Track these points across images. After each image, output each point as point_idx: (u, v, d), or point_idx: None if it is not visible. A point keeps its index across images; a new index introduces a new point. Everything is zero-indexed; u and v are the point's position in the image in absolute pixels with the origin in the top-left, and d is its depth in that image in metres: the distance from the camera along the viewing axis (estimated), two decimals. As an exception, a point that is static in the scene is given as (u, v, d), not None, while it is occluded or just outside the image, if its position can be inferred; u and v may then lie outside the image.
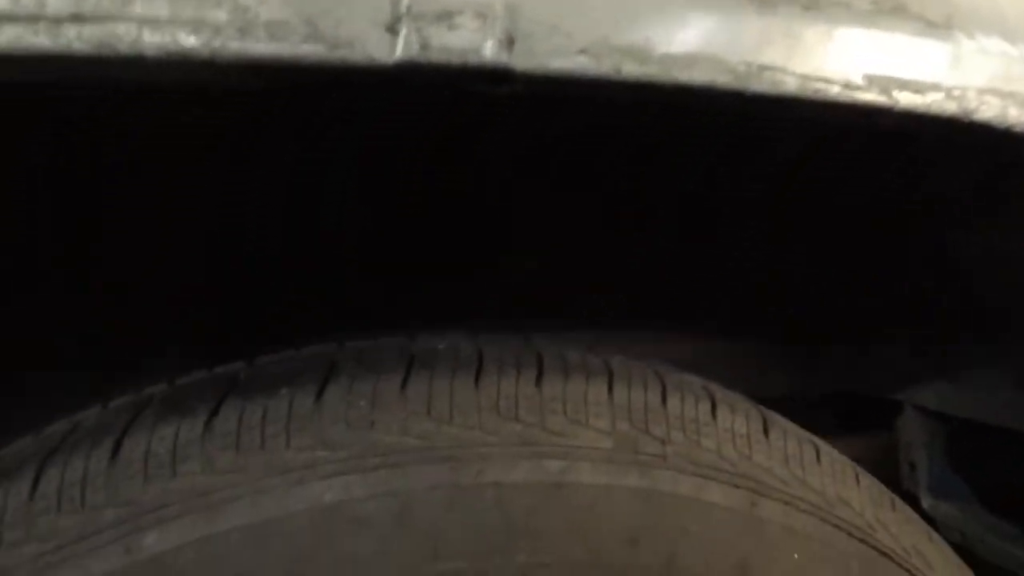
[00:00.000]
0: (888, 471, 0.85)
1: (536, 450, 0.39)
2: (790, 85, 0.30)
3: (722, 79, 0.29)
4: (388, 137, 0.44)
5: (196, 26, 0.25)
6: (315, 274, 0.59)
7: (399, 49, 0.26)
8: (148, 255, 0.53)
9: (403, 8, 0.26)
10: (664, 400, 0.43)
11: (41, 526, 0.34)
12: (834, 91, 0.31)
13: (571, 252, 0.63)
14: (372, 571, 0.35)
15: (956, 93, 0.32)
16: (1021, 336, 0.69)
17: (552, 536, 0.37)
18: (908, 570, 0.46)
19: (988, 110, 0.32)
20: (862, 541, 0.44)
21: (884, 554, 0.45)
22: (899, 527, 0.47)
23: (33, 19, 0.25)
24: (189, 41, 0.25)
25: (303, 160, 0.46)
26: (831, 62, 0.31)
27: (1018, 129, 0.33)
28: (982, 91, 0.32)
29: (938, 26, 0.32)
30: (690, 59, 0.29)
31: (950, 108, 0.32)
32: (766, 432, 0.45)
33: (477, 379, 0.40)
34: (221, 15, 0.25)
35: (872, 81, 0.31)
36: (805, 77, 0.30)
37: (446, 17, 0.27)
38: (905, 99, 0.31)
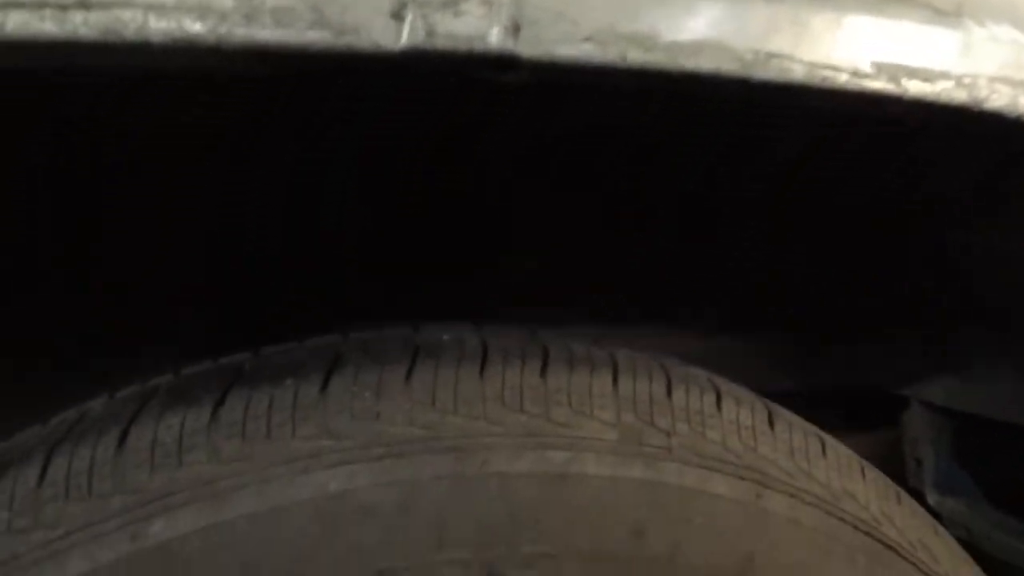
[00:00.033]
0: (894, 467, 0.85)
1: (541, 441, 0.39)
2: (797, 73, 0.30)
3: (728, 67, 0.29)
4: (389, 135, 0.44)
5: (202, 12, 0.25)
6: (315, 274, 0.59)
7: (405, 36, 0.26)
8: (148, 255, 0.53)
9: (409, -6, 0.26)
10: (669, 392, 0.43)
11: (49, 513, 0.34)
12: (842, 79, 0.30)
13: (571, 251, 0.63)
14: (377, 560, 0.35)
15: (966, 81, 0.32)
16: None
17: (557, 527, 0.37)
18: (914, 563, 0.46)
19: (999, 99, 0.32)
20: (868, 534, 0.44)
21: (890, 547, 0.45)
22: (905, 521, 0.47)
23: (39, 5, 0.25)
24: (195, 27, 0.25)
25: (303, 159, 0.46)
26: (839, 50, 0.30)
27: (1029, 118, 0.32)
28: (993, 79, 0.32)
29: (948, 13, 0.32)
30: (696, 46, 0.29)
31: (960, 97, 0.32)
32: (771, 424, 0.45)
33: (482, 370, 0.40)
34: (227, 1, 0.25)
35: (881, 69, 0.31)
36: (813, 65, 0.30)
37: (452, 4, 0.27)
38: (914, 87, 0.31)
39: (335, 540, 0.35)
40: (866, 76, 0.31)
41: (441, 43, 0.27)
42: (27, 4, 0.25)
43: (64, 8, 0.25)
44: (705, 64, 0.29)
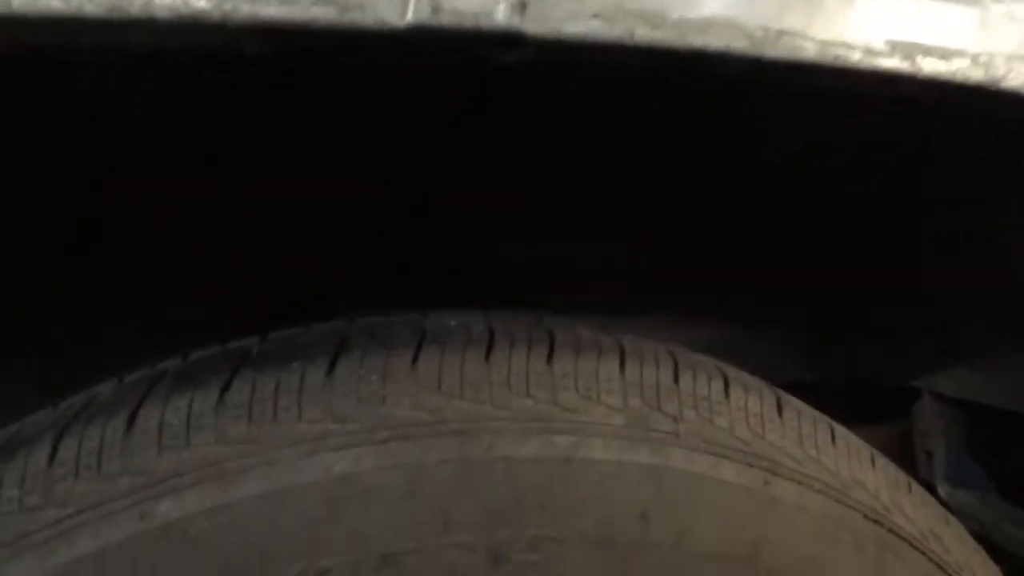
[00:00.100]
0: (904, 460, 0.84)
1: (547, 425, 0.39)
2: (809, 51, 0.29)
3: (738, 44, 0.29)
4: (392, 117, 0.44)
5: (207, -12, 0.25)
6: (313, 269, 0.59)
7: (410, 12, 0.26)
8: (149, 239, 0.54)
9: (414, -29, 0.26)
10: (676, 378, 0.43)
11: (59, 492, 0.34)
12: (855, 57, 0.30)
13: (575, 241, 0.63)
14: (382, 543, 0.35)
15: (983, 60, 0.31)
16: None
17: (562, 511, 0.37)
18: (924, 552, 0.45)
19: (1016, 78, 0.31)
20: (877, 523, 0.44)
21: (899, 536, 0.45)
22: (915, 510, 0.47)
23: (45, -19, 0.25)
24: (200, 4, 0.25)
25: (307, 141, 0.46)
26: (852, 27, 0.30)
27: (1048, 98, 0.32)
28: (1010, 58, 0.31)
29: (964, -10, 0.31)
30: (705, 23, 0.28)
31: (976, 75, 0.31)
32: (780, 412, 0.45)
33: (488, 354, 0.40)
34: (232, -23, 0.25)
35: (895, 47, 0.30)
36: (825, 43, 0.30)
37: (457, -20, 0.26)
38: (929, 66, 0.30)
39: (340, 522, 0.35)
40: (880, 54, 0.30)
41: (447, 19, 0.27)
42: (33, -19, 0.25)
43: (70, -16, 0.25)
44: (714, 42, 0.28)
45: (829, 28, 0.30)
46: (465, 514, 0.36)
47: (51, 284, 0.55)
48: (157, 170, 0.47)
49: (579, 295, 0.67)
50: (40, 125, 0.40)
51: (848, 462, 0.45)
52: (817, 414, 0.48)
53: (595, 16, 0.28)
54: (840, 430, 0.47)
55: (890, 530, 0.44)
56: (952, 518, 0.50)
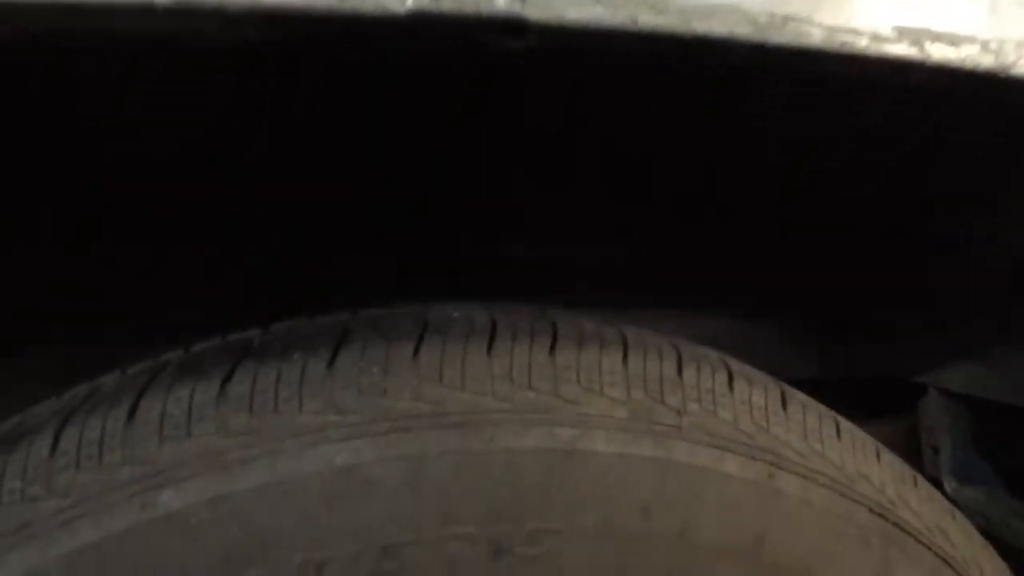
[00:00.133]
0: (911, 455, 0.84)
1: (549, 418, 0.38)
2: (815, 37, 0.29)
3: (742, 30, 0.28)
4: (391, 107, 0.43)
5: (205, -26, 0.25)
6: (313, 269, 0.59)
7: (410, -2, 0.26)
8: (147, 252, 0.54)
9: (415, -44, 0.26)
10: (680, 371, 0.42)
11: (60, 482, 0.35)
12: (862, 43, 0.29)
13: (573, 244, 0.62)
14: (383, 534, 0.35)
15: (993, 46, 0.30)
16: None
17: (563, 503, 0.37)
18: (929, 547, 0.45)
19: (1026, 64, 0.31)
20: (882, 517, 0.44)
21: (905, 531, 0.44)
22: (921, 504, 0.46)
23: (43, -32, 0.24)
24: (198, -10, 0.25)
25: (305, 149, 0.45)
26: (859, 13, 0.29)
27: (1059, 85, 0.31)
28: (1021, 44, 0.31)
29: (974, -25, 0.31)
30: (709, 9, 0.28)
31: (986, 62, 0.30)
32: (784, 405, 0.44)
33: (490, 347, 0.40)
34: (230, -37, 0.25)
35: (903, 33, 0.30)
36: (831, 29, 0.29)
37: (458, -35, 0.26)
38: (938, 52, 0.30)
39: (341, 514, 0.35)
40: (887, 40, 0.30)
41: (447, 5, 0.26)
42: (31, -33, 0.25)
43: (68, -29, 0.24)
44: (717, 27, 0.28)
45: (836, 14, 0.29)
46: (466, 506, 0.36)
47: (51, 284, 0.55)
48: (158, 166, 0.47)
49: (579, 295, 0.67)
50: (41, 118, 0.40)
51: (853, 456, 0.45)
52: (822, 408, 0.47)
53: (598, 2, 0.27)
54: (845, 424, 0.47)
55: (895, 524, 0.44)
56: (958, 513, 0.49)
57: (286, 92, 0.40)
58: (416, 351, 0.39)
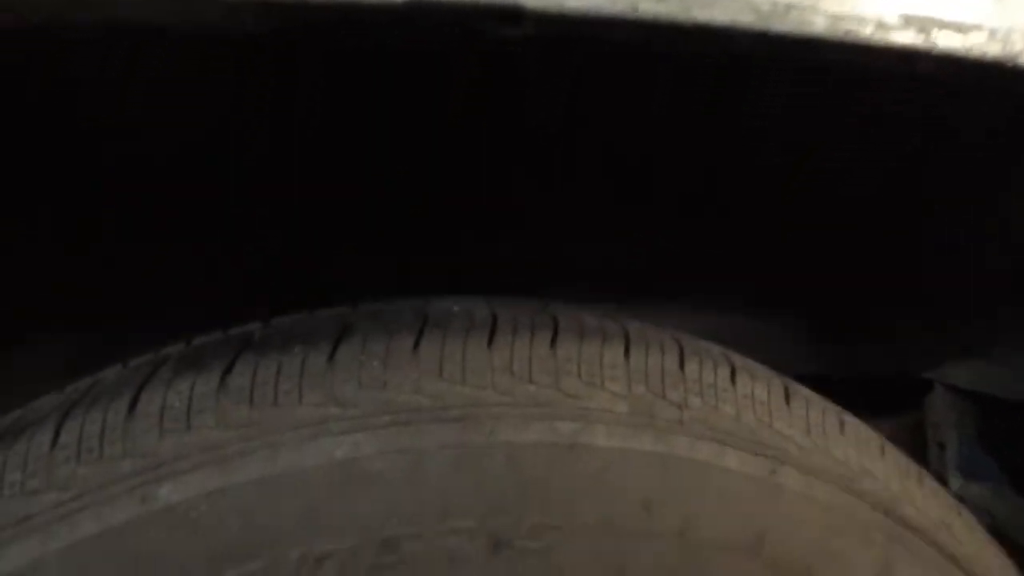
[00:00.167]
0: (917, 452, 0.83)
1: (549, 412, 0.38)
2: (818, 25, 0.29)
3: (744, 18, 0.28)
4: (391, 108, 0.43)
5: (203, -37, 0.25)
6: (313, 269, 0.59)
7: (408, -14, 0.26)
8: (146, 252, 0.54)
9: (413, -56, 0.25)
10: (682, 365, 0.42)
11: (61, 475, 0.35)
12: (867, 31, 0.29)
13: (571, 242, 0.62)
14: (382, 527, 0.35)
15: (1000, 34, 0.30)
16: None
17: (564, 498, 0.37)
18: (934, 544, 0.44)
19: (1035, 53, 0.30)
20: (886, 513, 0.43)
21: (909, 527, 0.44)
22: (925, 501, 0.46)
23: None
24: (195, -22, 0.25)
25: (305, 144, 0.45)
26: (864, 0, 0.29)
27: (1068, 75, 0.31)
28: (1029, 32, 0.30)
29: (981, -38, 0.30)
30: (711, -3, 0.28)
31: (993, 50, 0.30)
32: (788, 400, 0.44)
33: (491, 340, 0.40)
34: (227, -48, 0.25)
35: (909, 21, 0.29)
36: (836, 17, 0.29)
37: (456, -47, 0.26)
38: (944, 40, 0.29)
39: (341, 507, 0.35)
40: (893, 28, 0.29)
41: (444, -7, 0.26)
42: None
43: (63, -41, 0.24)
44: (719, 16, 0.28)
45: (840, 1, 0.29)
46: (466, 500, 0.36)
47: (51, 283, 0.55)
48: (158, 165, 0.47)
49: (579, 294, 0.67)
50: (41, 115, 0.40)
51: (857, 452, 0.44)
52: (826, 403, 0.47)
53: (597, -10, 0.27)
54: (849, 419, 0.47)
55: (899, 521, 0.43)
56: (964, 509, 0.49)
57: (286, 86, 0.40)
58: (416, 345, 0.39)
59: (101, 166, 0.46)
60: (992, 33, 0.30)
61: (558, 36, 0.28)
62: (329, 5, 0.26)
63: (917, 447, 0.82)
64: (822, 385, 0.53)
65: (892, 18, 0.29)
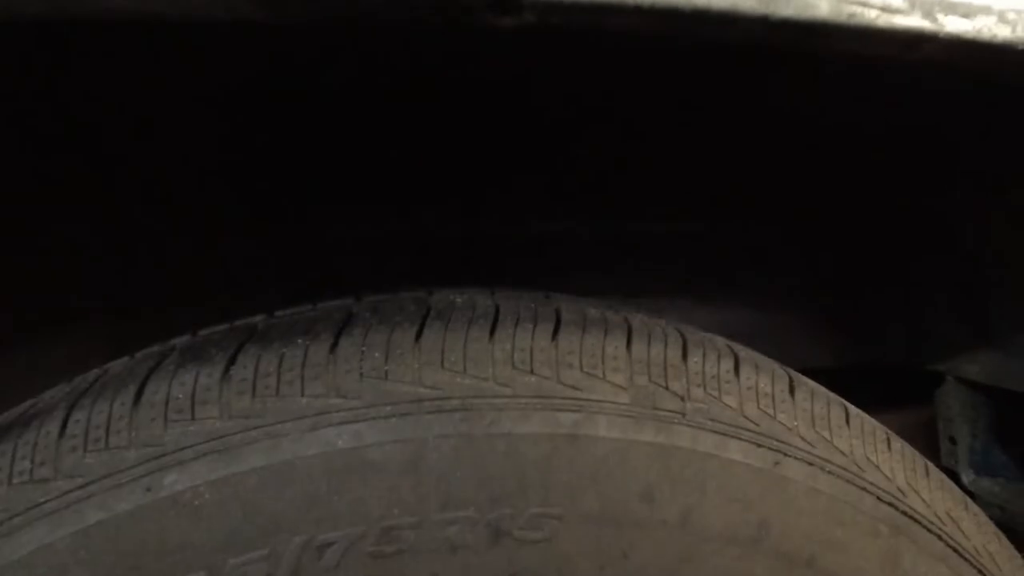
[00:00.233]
0: (928, 447, 0.82)
1: (550, 402, 0.38)
2: (821, 9, 0.28)
3: (745, 3, 0.27)
4: (384, 89, 0.43)
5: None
6: (328, 264, 0.59)
7: (402, -25, 0.25)
8: (154, 251, 0.54)
9: (407, -68, 0.25)
10: (685, 356, 0.42)
11: (69, 464, 0.35)
12: (871, 15, 0.28)
13: (575, 222, 0.62)
14: (383, 516, 0.35)
15: (1010, 16, 0.29)
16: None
17: (564, 488, 0.37)
18: (940, 536, 0.44)
19: (1045, 37, 0.30)
20: (891, 505, 0.43)
21: (915, 519, 0.43)
22: (932, 493, 0.45)
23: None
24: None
25: (303, 148, 0.45)
26: (867, -16, 0.28)
27: (1079, 59, 0.30)
28: (1038, 15, 0.29)
29: (989, -57, 0.29)
30: (711, -17, 0.27)
31: (1002, 33, 0.29)
32: (792, 392, 0.44)
33: (492, 331, 0.40)
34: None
35: (914, 4, 0.28)
36: (839, 0, 0.28)
37: (451, -59, 0.26)
38: (952, 24, 0.29)
39: (342, 496, 0.35)
40: (898, 12, 0.28)
41: (440, -19, 0.26)
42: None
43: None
44: (718, 0, 0.27)
45: (843, -14, 0.28)
46: (466, 490, 0.36)
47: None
48: (166, 164, 0.47)
49: (589, 283, 0.67)
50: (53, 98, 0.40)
51: (862, 444, 0.44)
52: (831, 395, 0.46)
53: (595, -23, 0.27)
54: (854, 411, 0.46)
55: (905, 513, 0.43)
56: (971, 502, 0.48)
57: (302, 80, 0.40)
58: (418, 336, 0.39)
59: (122, 166, 0.46)
60: (1001, 15, 0.29)
61: (556, 25, 0.28)
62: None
63: (929, 442, 0.81)
64: (834, 379, 0.53)
65: (898, 1, 0.29)
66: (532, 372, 0.39)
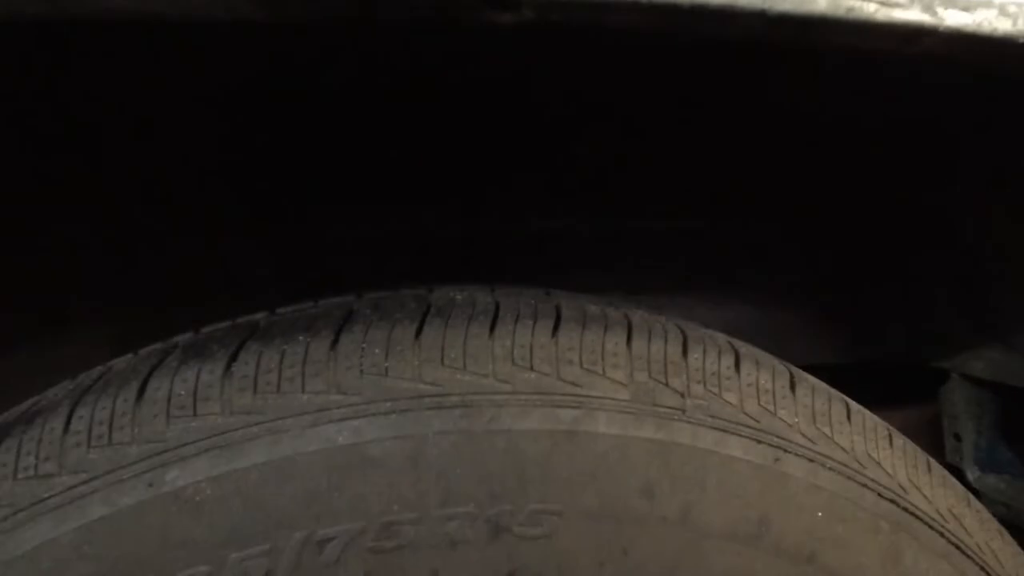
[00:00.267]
0: (933, 443, 0.82)
1: (550, 399, 0.38)
2: (820, 4, 0.28)
3: (743, -1, 0.27)
4: (388, 104, 0.43)
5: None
6: (329, 264, 0.59)
7: (400, -29, 0.26)
8: (158, 250, 0.54)
9: (405, -71, 0.25)
10: (685, 353, 0.42)
11: (72, 460, 0.35)
12: (870, 9, 0.28)
13: (573, 219, 0.62)
14: (383, 512, 0.36)
15: (1011, 9, 0.29)
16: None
17: (564, 484, 0.37)
18: (941, 533, 0.44)
19: (1046, 30, 0.29)
20: (892, 502, 0.43)
21: (916, 516, 0.43)
22: (934, 490, 0.45)
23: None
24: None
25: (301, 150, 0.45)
26: (866, -22, 0.28)
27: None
28: (1038, 8, 0.29)
29: (989, -64, 0.29)
30: (709, -22, 0.27)
31: (1003, 27, 0.29)
32: (793, 389, 0.44)
33: (492, 328, 0.40)
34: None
35: (913, -2, 0.28)
36: (837, -5, 0.28)
37: (448, -63, 0.26)
38: (952, 18, 0.29)
39: (342, 492, 0.35)
40: (898, 5, 0.28)
41: (438, -22, 0.26)
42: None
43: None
44: (717, -4, 0.27)
45: (841, -20, 0.28)
46: (466, 486, 0.36)
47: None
48: (166, 164, 0.47)
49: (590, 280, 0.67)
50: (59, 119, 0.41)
51: (864, 440, 0.44)
52: (832, 391, 0.46)
53: (592, -27, 0.27)
54: (855, 407, 0.46)
55: (906, 509, 0.43)
56: (974, 499, 0.48)
57: (298, 76, 0.40)
58: (418, 332, 0.39)
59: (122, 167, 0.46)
60: (1002, 8, 0.29)
61: (556, 22, 0.28)
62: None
63: (934, 439, 0.81)
64: (838, 376, 0.52)
65: (896, -4, 0.28)
66: (532, 368, 0.39)
